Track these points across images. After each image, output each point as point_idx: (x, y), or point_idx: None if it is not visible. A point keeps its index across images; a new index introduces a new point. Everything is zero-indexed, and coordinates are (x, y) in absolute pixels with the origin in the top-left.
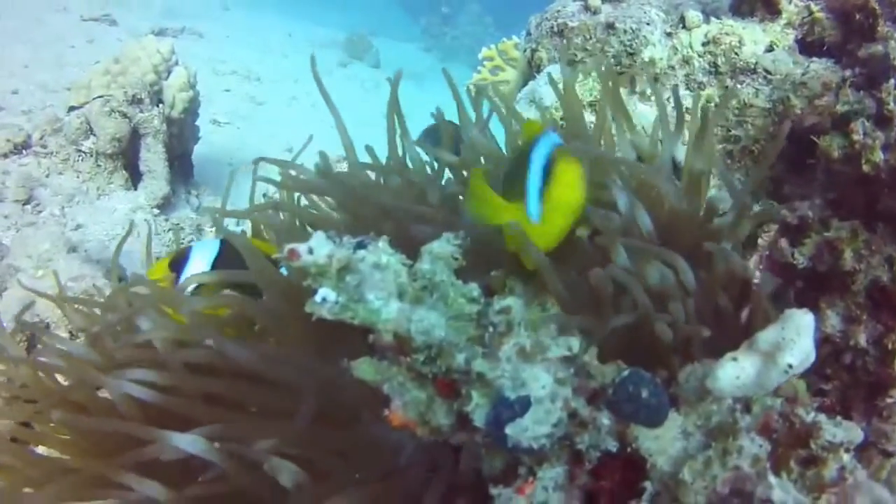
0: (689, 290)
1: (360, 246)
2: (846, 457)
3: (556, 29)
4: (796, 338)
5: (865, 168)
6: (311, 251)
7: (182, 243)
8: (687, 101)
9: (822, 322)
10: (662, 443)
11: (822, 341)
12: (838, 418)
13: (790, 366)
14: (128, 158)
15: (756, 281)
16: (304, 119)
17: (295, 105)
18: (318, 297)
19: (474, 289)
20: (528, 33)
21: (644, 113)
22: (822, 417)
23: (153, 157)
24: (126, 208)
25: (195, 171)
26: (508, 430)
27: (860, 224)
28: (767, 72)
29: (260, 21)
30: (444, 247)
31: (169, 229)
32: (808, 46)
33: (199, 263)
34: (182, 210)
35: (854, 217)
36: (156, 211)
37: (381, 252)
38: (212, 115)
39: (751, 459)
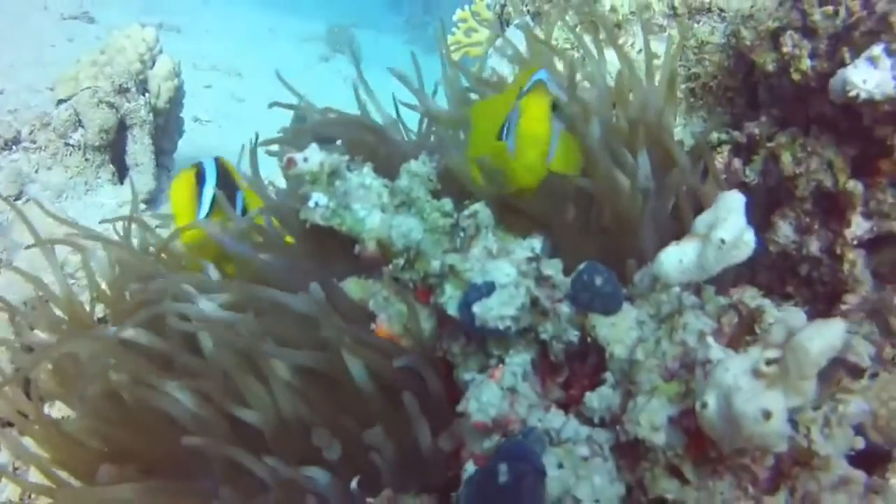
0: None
1: (348, 168)
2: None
3: None
4: (727, 215)
5: (795, 77)
6: (305, 159)
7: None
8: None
9: (775, 233)
10: (618, 331)
11: (779, 254)
12: (784, 305)
13: (722, 240)
14: (115, 152)
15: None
16: (286, 115)
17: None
18: (311, 203)
19: (447, 203)
20: None
21: (610, 60)
22: (765, 301)
23: (140, 150)
24: (113, 203)
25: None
26: (476, 308)
27: (797, 130)
28: (721, 10)
29: (240, 15)
30: (420, 166)
31: (156, 225)
32: None
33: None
34: (169, 205)
35: (800, 124)
36: (143, 206)
37: (365, 175)
38: (194, 113)
39: (696, 334)
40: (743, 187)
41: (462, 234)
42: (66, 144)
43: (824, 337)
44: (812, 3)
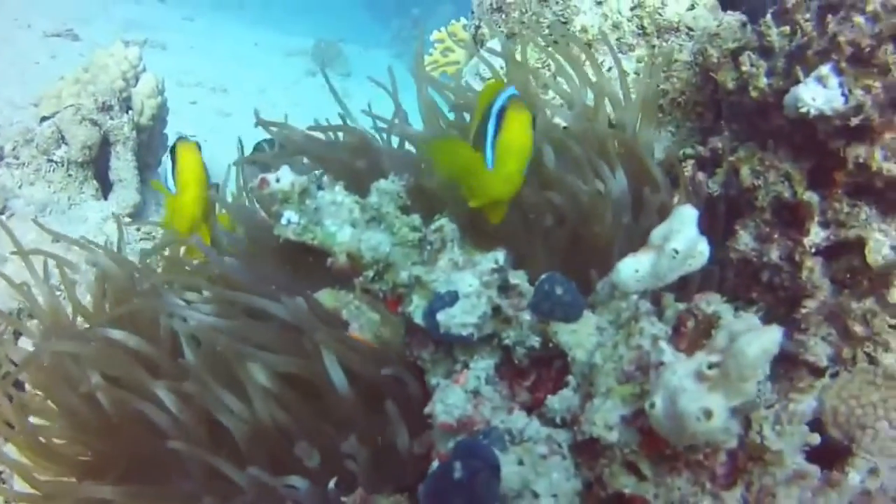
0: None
1: (319, 188)
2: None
3: (495, 5)
4: (680, 227)
5: (753, 94)
6: (278, 180)
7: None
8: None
9: (736, 241)
10: (579, 337)
11: (740, 261)
12: (740, 312)
13: (675, 251)
14: (98, 167)
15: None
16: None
17: (262, 116)
18: (283, 220)
19: (416, 218)
20: (472, 12)
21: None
22: (721, 307)
23: (123, 166)
24: (97, 217)
25: (168, 182)
26: (440, 316)
27: (756, 144)
28: (689, 28)
29: (225, 31)
30: (390, 184)
31: (140, 239)
32: (726, 2)
33: None
34: (154, 218)
35: (759, 138)
36: (127, 220)
37: (336, 192)
38: (178, 129)
39: (651, 339)
40: (707, 199)
41: (429, 247)
42: (50, 161)
43: (761, 342)
44: (769, 25)
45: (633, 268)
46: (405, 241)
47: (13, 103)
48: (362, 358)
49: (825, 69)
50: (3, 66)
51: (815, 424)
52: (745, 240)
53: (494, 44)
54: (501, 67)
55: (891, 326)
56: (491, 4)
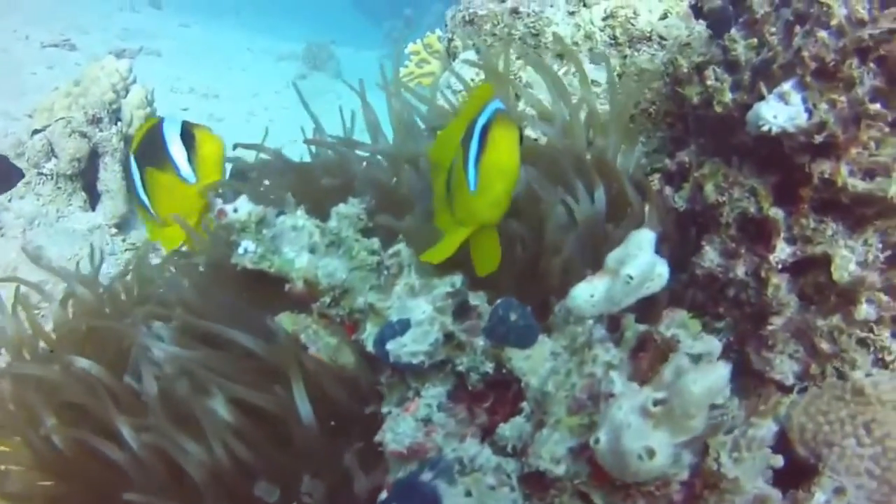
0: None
1: (281, 213)
2: None
3: (467, 18)
4: (636, 252)
5: (718, 109)
6: (235, 210)
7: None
8: (593, 75)
9: (701, 258)
10: (533, 363)
11: (706, 277)
12: (701, 334)
13: (630, 277)
14: (87, 179)
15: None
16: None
17: (253, 121)
18: (241, 249)
19: (375, 242)
20: (446, 25)
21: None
22: (679, 332)
23: (111, 177)
24: (84, 229)
25: None
26: (389, 345)
27: (721, 160)
28: (662, 38)
29: (219, 36)
30: (349, 208)
31: (126, 249)
32: (700, 11)
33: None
34: (141, 229)
35: (725, 153)
36: (114, 230)
37: (297, 217)
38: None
39: (603, 366)
40: (674, 213)
41: (386, 272)
42: (39, 174)
43: (707, 381)
44: (734, 39)
45: (587, 293)
46: (363, 265)
47: (9, 114)
48: (326, 380)
49: (787, 86)
50: (1, 77)
51: (783, 442)
52: (710, 256)
53: (468, 55)
54: (473, 80)
55: (858, 343)
56: (463, 17)
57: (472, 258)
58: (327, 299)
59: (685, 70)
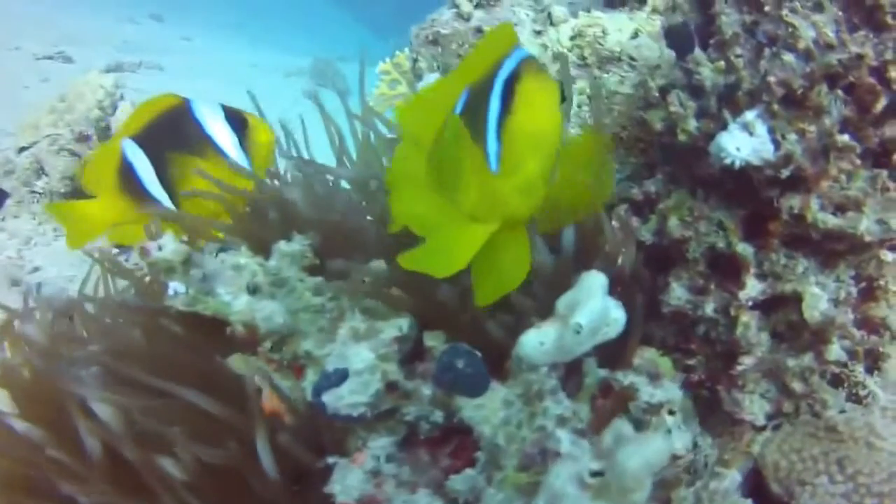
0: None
1: (222, 250)
2: (670, 419)
3: (430, 38)
4: (585, 298)
5: (682, 137)
6: (160, 248)
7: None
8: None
9: (668, 294)
10: (486, 412)
11: (673, 314)
12: (663, 380)
13: (580, 325)
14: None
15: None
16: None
17: None
18: (170, 291)
19: (320, 282)
20: (410, 44)
21: None
22: (639, 379)
23: None
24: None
25: None
26: (325, 397)
27: (686, 192)
28: (632, 59)
29: (223, 51)
30: (293, 246)
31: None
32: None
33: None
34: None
35: (690, 184)
36: (115, 250)
37: (240, 255)
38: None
39: (555, 419)
40: (641, 247)
41: (328, 316)
42: (32, 192)
43: (645, 455)
44: (698, 62)
45: (536, 340)
46: (308, 306)
47: (1, 129)
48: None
49: (750, 115)
50: None
51: (757, 480)
52: (678, 293)
53: (430, 79)
54: None
55: (830, 383)
56: (427, 37)
57: (474, 271)
58: (269, 344)
59: (655, 94)
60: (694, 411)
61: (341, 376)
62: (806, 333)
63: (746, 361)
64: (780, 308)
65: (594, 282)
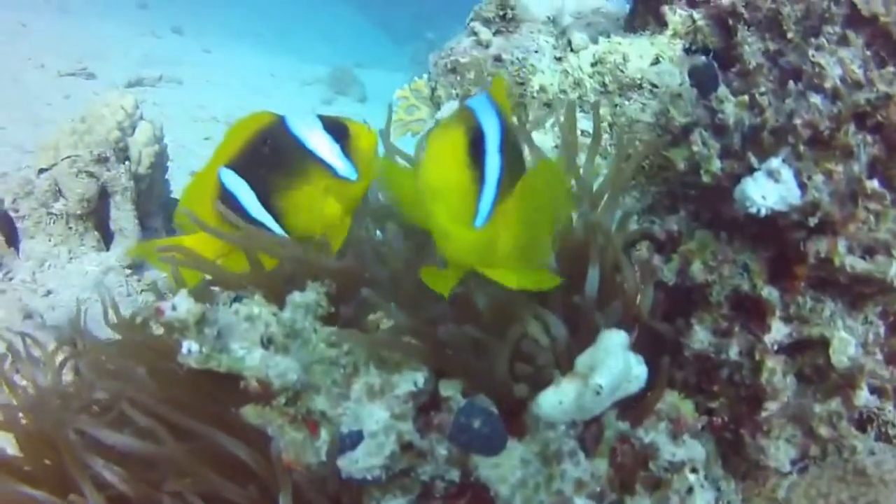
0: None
1: (237, 300)
2: (692, 477)
3: (449, 66)
4: (605, 358)
5: (705, 179)
6: (174, 308)
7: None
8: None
9: (690, 338)
10: (502, 471)
11: (697, 357)
12: (684, 438)
13: (600, 386)
14: (98, 218)
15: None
16: None
17: None
18: (184, 349)
19: (334, 332)
20: (429, 72)
21: (541, 143)
22: (660, 438)
23: (123, 216)
24: (97, 271)
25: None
26: (340, 462)
27: (710, 234)
28: (654, 85)
29: (242, 62)
30: (307, 296)
31: (142, 290)
32: (693, 55)
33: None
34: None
35: (714, 225)
36: (128, 272)
37: (254, 304)
38: (191, 167)
39: (573, 483)
40: (665, 286)
41: (342, 371)
42: (49, 213)
43: None
44: (722, 99)
45: (556, 399)
46: (322, 358)
47: (22, 147)
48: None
49: (776, 162)
50: (14, 108)
51: None
52: (700, 336)
53: (450, 107)
54: None
55: (857, 422)
56: (445, 65)
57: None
58: (283, 399)
59: (677, 123)
60: (717, 455)
61: (356, 439)
62: (833, 376)
63: (771, 407)
64: (806, 351)
65: (614, 340)
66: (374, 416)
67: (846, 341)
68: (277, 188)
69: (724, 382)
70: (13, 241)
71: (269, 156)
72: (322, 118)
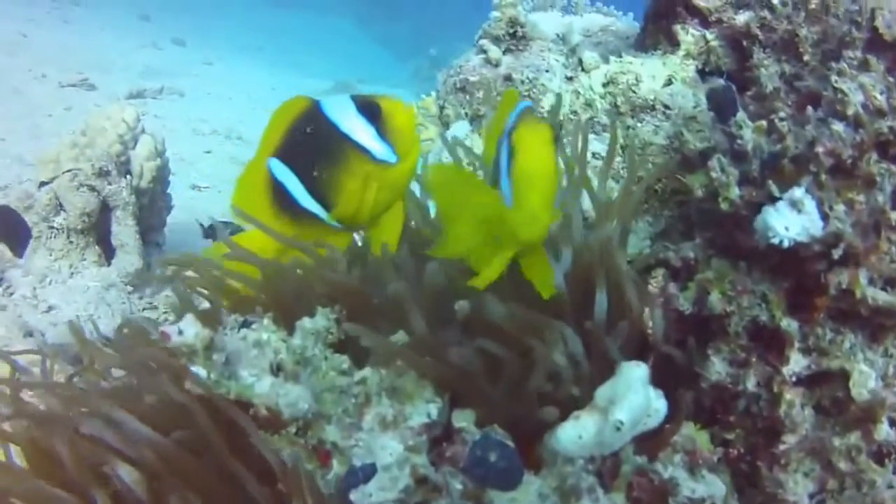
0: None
1: (246, 324)
2: None
3: (458, 85)
4: (626, 392)
5: (724, 207)
6: (180, 332)
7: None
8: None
9: (707, 369)
10: None
11: (712, 388)
12: (703, 472)
13: (621, 422)
14: (99, 233)
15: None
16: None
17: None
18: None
19: (345, 361)
20: (438, 90)
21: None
22: (680, 473)
23: (124, 231)
24: (98, 286)
25: (175, 238)
26: (353, 496)
27: (728, 262)
28: (666, 107)
29: (243, 75)
30: (317, 322)
31: (143, 308)
32: (707, 76)
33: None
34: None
35: (732, 254)
36: (129, 288)
37: (262, 330)
38: (192, 180)
39: None
40: (681, 315)
41: (353, 401)
42: (50, 227)
43: None
44: (741, 125)
45: (575, 433)
46: (333, 386)
47: (22, 160)
48: None
49: (799, 192)
50: (15, 120)
51: None
52: (717, 367)
53: (459, 127)
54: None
55: (876, 463)
56: (454, 84)
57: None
58: (293, 429)
59: (692, 146)
60: (733, 487)
61: (369, 473)
62: (852, 409)
63: (790, 440)
64: (824, 383)
65: (635, 375)
66: (387, 449)
67: (866, 374)
68: (321, 177)
69: (741, 413)
70: (21, 239)
71: (309, 143)
72: (355, 98)
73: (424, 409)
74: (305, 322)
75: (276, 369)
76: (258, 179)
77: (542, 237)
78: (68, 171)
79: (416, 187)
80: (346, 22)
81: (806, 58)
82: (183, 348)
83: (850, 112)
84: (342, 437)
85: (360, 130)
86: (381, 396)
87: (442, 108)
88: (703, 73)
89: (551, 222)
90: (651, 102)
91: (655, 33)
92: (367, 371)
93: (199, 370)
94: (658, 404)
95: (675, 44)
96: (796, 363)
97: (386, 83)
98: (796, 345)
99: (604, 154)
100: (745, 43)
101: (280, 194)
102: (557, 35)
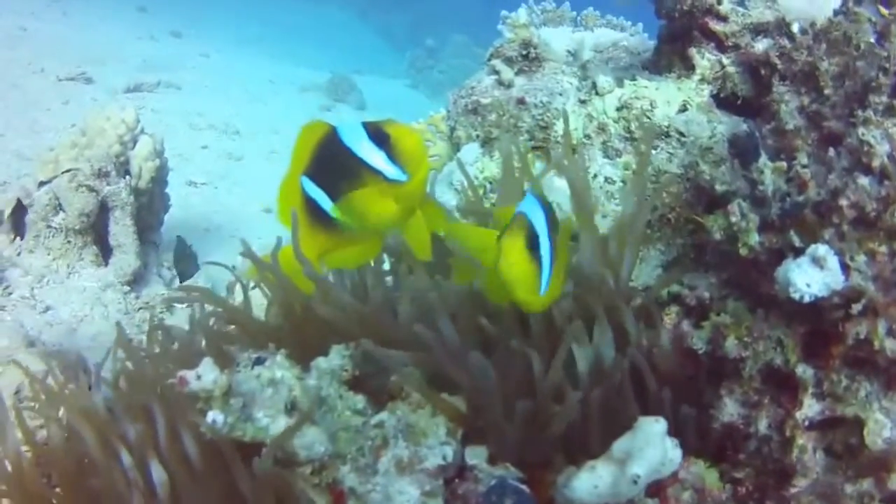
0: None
1: (259, 362)
2: None
3: (470, 107)
4: (644, 447)
5: (743, 252)
6: (198, 377)
7: (155, 320)
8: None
9: (719, 410)
10: None
11: (723, 428)
12: None
13: (637, 476)
14: (97, 233)
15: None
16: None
17: (274, 159)
18: (209, 419)
19: (360, 401)
20: (448, 110)
21: (561, 188)
22: None
23: (122, 231)
24: (95, 287)
25: (172, 238)
26: None
27: (744, 306)
28: (681, 133)
29: (240, 67)
30: (331, 360)
31: (139, 308)
32: (722, 101)
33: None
34: (154, 285)
35: (749, 296)
36: (126, 288)
37: (276, 367)
38: (188, 177)
39: None
40: (694, 353)
41: (370, 443)
42: (49, 227)
43: None
44: (761, 170)
45: (591, 484)
46: (348, 425)
47: (21, 154)
48: None
49: (822, 249)
50: (13, 114)
51: None
52: (730, 409)
53: (469, 150)
54: (476, 177)
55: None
56: (466, 105)
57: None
58: (308, 469)
59: (707, 177)
60: None
61: None
62: (865, 456)
63: (800, 483)
64: (838, 428)
65: (653, 430)
66: (404, 494)
67: (882, 423)
68: (344, 194)
69: (752, 453)
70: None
71: (332, 165)
72: (366, 126)
73: (440, 452)
74: (320, 361)
75: (291, 408)
76: (294, 196)
77: (540, 309)
78: (67, 171)
79: None
80: (344, 13)
81: (827, 91)
82: (201, 394)
83: (875, 164)
84: (359, 483)
85: (373, 155)
86: (398, 439)
87: (453, 129)
88: (718, 99)
89: (546, 302)
90: (665, 129)
91: (670, 55)
92: (384, 414)
93: (217, 414)
94: (673, 454)
95: (689, 67)
96: (810, 408)
97: (382, 74)
98: (810, 390)
99: (616, 178)
100: (762, 71)
101: (312, 209)
102: (568, 51)
